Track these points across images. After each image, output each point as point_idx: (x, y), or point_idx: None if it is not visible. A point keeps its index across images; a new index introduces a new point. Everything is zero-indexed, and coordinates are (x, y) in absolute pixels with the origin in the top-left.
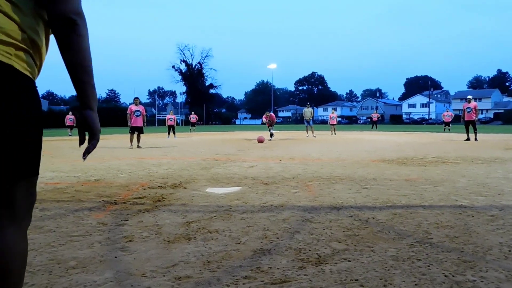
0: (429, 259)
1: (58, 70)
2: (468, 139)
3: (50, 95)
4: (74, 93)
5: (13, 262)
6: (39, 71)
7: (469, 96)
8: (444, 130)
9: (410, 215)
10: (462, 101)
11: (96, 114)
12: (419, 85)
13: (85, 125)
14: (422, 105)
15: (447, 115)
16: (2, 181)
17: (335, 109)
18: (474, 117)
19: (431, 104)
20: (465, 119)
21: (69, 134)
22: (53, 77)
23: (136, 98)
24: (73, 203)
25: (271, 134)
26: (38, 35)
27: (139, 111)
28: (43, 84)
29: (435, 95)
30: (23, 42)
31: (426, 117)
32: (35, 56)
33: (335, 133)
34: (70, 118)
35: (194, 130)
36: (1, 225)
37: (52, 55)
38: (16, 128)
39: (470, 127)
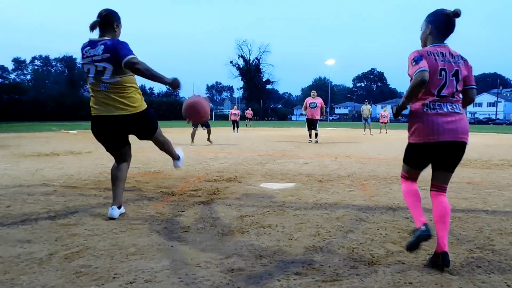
0: (490, 266)
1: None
2: None
3: None
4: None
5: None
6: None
7: None
8: None
9: (471, 219)
10: None
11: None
12: (486, 83)
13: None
14: (489, 104)
15: None
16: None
17: (386, 107)
18: None
19: (499, 103)
20: None
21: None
22: None
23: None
24: (134, 192)
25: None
26: (135, 81)
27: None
28: None
29: (504, 94)
30: (137, 95)
31: (493, 117)
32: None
33: (386, 132)
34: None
35: (250, 125)
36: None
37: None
38: (151, 120)
39: None
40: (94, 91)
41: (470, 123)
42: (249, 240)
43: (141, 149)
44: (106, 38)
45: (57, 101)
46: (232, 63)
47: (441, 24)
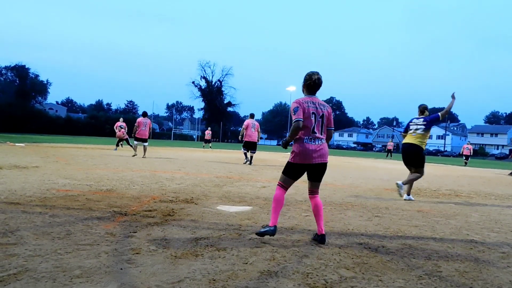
0: None
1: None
2: None
3: (69, 102)
4: (92, 101)
5: None
6: None
7: None
8: (465, 164)
9: (420, 246)
10: (478, 135)
11: None
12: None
13: None
14: (438, 137)
15: (466, 148)
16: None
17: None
18: None
19: (447, 137)
20: None
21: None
22: (73, 85)
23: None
24: (83, 211)
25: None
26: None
27: None
28: (62, 91)
29: (452, 128)
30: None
31: (442, 149)
32: None
33: None
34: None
35: (210, 147)
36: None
37: (73, 64)
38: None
39: None
40: None
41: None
42: (203, 264)
43: (94, 166)
44: None
45: (4, 111)
46: (194, 84)
47: (309, 84)
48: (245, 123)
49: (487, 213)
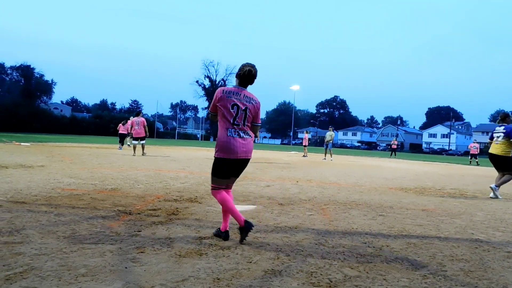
0: None
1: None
2: None
3: (74, 102)
4: (97, 101)
5: None
6: None
7: None
8: (470, 163)
9: (425, 245)
10: (483, 134)
11: None
12: (440, 115)
13: None
14: (443, 136)
15: (474, 147)
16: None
17: (308, 131)
18: None
19: (451, 135)
20: None
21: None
22: (77, 84)
23: None
24: (88, 210)
25: None
26: None
27: None
28: (67, 91)
29: (456, 127)
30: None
31: (446, 147)
32: None
33: (306, 155)
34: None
35: None
36: None
37: (77, 63)
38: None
39: None
40: None
41: (426, 153)
42: (207, 263)
43: (98, 165)
44: None
45: (10, 111)
46: (198, 83)
47: (240, 75)
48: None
49: (492, 212)
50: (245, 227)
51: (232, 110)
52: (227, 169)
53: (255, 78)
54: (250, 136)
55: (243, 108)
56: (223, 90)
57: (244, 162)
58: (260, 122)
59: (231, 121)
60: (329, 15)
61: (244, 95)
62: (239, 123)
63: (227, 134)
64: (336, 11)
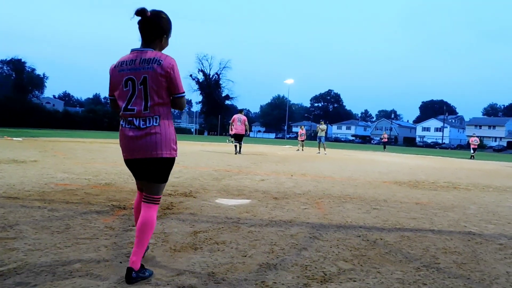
0: (435, 284)
1: (75, 72)
2: None
3: (66, 96)
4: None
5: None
6: None
7: None
8: (473, 157)
9: (418, 238)
10: (476, 127)
11: None
12: (434, 109)
13: None
14: (436, 129)
15: (475, 141)
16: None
17: (303, 126)
18: None
19: (445, 129)
20: None
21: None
22: (69, 78)
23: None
24: (82, 205)
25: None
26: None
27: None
28: (59, 85)
29: (450, 120)
30: None
31: (440, 141)
32: None
33: (302, 150)
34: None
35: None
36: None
37: (69, 57)
38: None
39: None
40: None
41: (419, 146)
42: (202, 257)
43: (92, 160)
44: None
45: (1, 105)
46: (191, 77)
47: (139, 26)
48: (233, 117)
49: (485, 205)
50: (128, 271)
51: (125, 89)
52: (131, 169)
53: (155, 23)
54: (154, 123)
55: (141, 79)
56: (112, 67)
57: (143, 164)
58: (182, 91)
59: (124, 107)
60: (324, 9)
61: (142, 58)
62: (134, 108)
63: (122, 127)
64: (331, 6)
